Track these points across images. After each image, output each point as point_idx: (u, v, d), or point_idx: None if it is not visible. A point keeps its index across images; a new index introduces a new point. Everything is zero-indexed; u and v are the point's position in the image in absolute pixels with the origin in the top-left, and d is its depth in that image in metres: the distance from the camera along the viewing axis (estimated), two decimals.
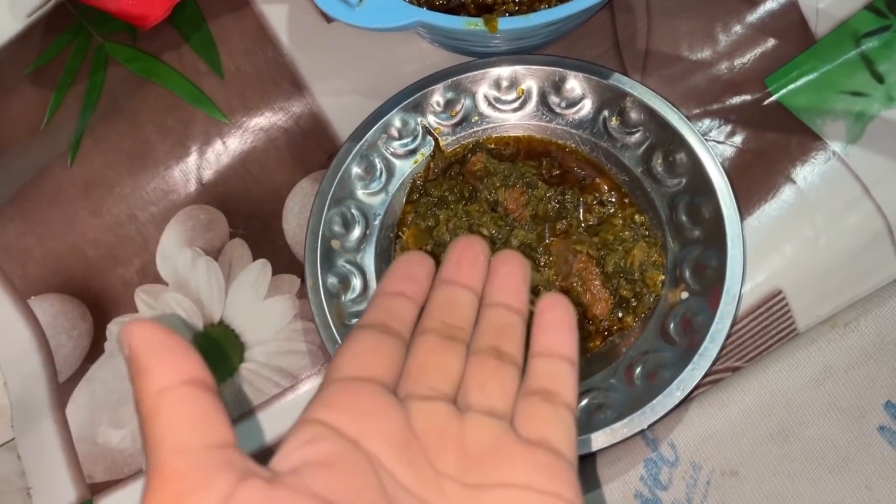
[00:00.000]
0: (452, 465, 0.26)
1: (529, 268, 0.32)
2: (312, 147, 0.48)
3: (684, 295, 0.43)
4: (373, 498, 0.24)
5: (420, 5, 0.44)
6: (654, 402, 0.39)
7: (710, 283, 0.42)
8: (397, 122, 0.46)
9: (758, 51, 0.47)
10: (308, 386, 0.45)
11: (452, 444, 0.26)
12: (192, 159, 0.48)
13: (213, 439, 0.23)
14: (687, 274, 0.43)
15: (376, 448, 0.25)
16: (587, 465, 0.42)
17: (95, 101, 0.49)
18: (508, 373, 0.29)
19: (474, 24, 0.41)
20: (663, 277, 0.44)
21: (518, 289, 0.31)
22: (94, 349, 0.46)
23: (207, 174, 0.48)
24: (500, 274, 0.31)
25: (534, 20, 0.41)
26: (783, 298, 0.44)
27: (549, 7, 0.42)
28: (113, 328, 0.47)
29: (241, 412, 0.45)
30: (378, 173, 0.46)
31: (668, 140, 0.44)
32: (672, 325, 0.42)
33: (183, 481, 0.22)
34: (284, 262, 0.47)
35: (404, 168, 0.47)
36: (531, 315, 0.31)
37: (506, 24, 0.41)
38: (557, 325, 0.30)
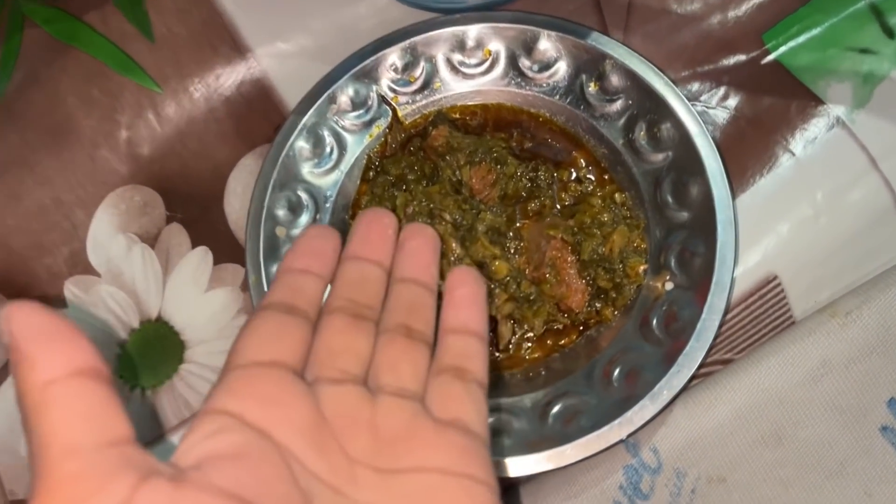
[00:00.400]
0: (365, 451, 0.25)
1: (439, 241, 0.32)
2: (257, 118, 0.43)
3: (669, 285, 0.38)
4: (284, 489, 0.23)
5: None
6: (634, 409, 0.35)
7: (698, 272, 0.37)
8: (349, 91, 0.41)
9: (754, 2, 0.43)
10: None
11: (364, 429, 0.26)
12: (123, 135, 0.43)
13: (109, 436, 0.21)
14: (672, 262, 0.38)
15: (285, 437, 0.24)
16: (565, 475, 0.38)
17: (10, 71, 0.44)
18: (419, 351, 0.28)
19: None
20: (645, 266, 0.39)
21: (427, 263, 0.31)
22: None
23: (140, 151, 0.43)
24: (408, 248, 0.31)
25: None
26: (778, 284, 0.40)
27: None
28: None
29: (179, 419, 0.40)
30: (328, 150, 0.41)
31: (652, 109, 0.39)
32: (655, 320, 0.38)
33: (75, 486, 0.20)
34: (227, 249, 0.42)
35: (358, 143, 0.42)
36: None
37: None
38: (468, 301, 0.30)
